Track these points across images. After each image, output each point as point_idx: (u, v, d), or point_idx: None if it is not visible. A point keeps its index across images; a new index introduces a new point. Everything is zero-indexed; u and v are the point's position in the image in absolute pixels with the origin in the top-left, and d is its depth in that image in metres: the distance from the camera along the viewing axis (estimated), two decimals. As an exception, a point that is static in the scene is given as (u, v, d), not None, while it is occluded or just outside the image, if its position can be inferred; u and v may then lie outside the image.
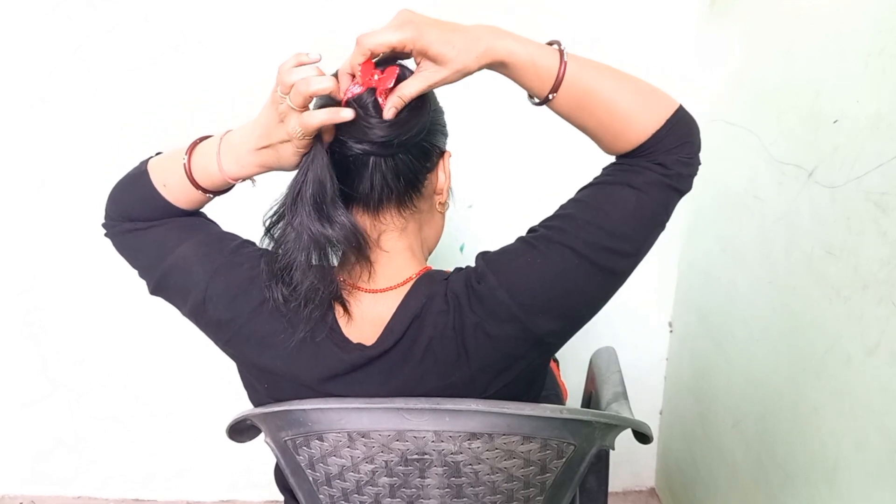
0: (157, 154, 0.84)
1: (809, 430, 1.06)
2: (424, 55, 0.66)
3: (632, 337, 1.69)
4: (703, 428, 1.55)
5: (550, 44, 0.72)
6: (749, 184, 1.28)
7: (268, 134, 0.70)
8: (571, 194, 0.78)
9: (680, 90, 1.50)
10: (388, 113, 0.68)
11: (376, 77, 0.68)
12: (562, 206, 0.76)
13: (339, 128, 0.69)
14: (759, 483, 1.25)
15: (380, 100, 0.68)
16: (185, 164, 0.76)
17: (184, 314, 0.82)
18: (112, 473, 1.88)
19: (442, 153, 0.79)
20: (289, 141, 0.68)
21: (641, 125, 0.72)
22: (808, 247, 1.07)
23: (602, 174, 0.76)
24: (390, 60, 0.70)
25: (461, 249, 1.59)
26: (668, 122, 0.72)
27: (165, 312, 1.66)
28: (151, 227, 0.81)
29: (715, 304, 1.47)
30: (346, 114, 0.66)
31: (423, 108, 0.71)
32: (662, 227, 0.74)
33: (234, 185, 0.78)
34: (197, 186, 0.77)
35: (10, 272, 1.69)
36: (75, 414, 1.81)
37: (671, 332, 1.74)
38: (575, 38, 1.51)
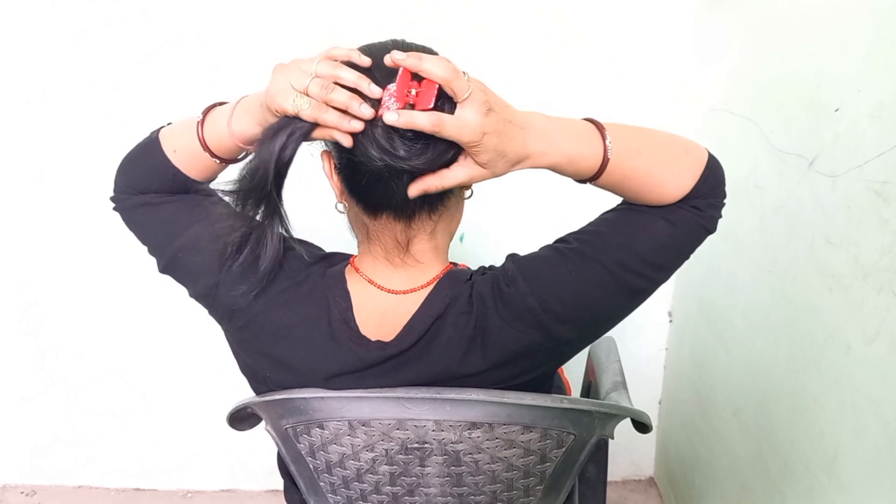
0: (169, 124, 0.82)
1: (809, 419, 1.07)
2: (471, 148, 0.63)
3: (631, 327, 1.68)
4: (702, 417, 1.55)
5: (589, 120, 0.71)
6: (750, 173, 1.28)
7: (271, 96, 0.65)
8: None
9: (680, 81, 1.51)
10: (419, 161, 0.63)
11: (414, 92, 0.62)
12: (593, 224, 0.76)
13: (374, 142, 0.63)
14: (758, 472, 1.25)
15: None
16: (198, 123, 0.74)
17: (191, 295, 0.81)
18: (112, 465, 1.88)
19: None
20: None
21: (679, 187, 0.73)
22: (808, 236, 1.06)
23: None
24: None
25: (461, 239, 1.59)
26: (702, 176, 0.73)
27: (163, 306, 1.68)
28: (163, 204, 0.79)
29: (715, 294, 1.47)
30: (346, 142, 0.63)
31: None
32: (684, 261, 0.76)
33: (245, 154, 0.76)
34: (206, 148, 0.75)
35: (8, 267, 1.69)
36: (74, 407, 1.82)
37: (671, 321, 1.74)
38: (575, 32, 1.51)
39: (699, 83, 1.49)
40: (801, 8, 1.10)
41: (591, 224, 0.77)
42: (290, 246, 0.79)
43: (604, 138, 0.69)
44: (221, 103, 0.77)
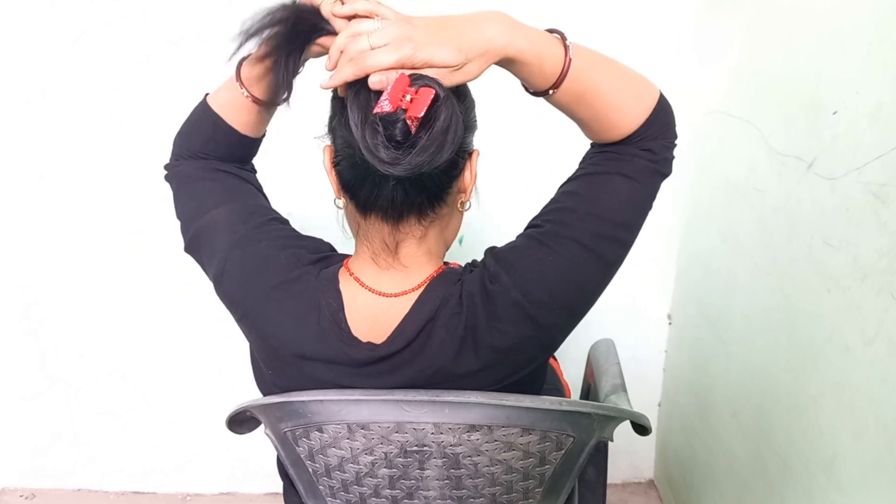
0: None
1: (808, 421, 1.07)
2: (431, 67, 0.63)
3: (630, 329, 1.69)
4: (701, 419, 1.55)
5: (551, 31, 0.70)
6: (748, 175, 1.28)
7: None
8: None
9: (679, 82, 1.51)
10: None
11: (408, 98, 0.62)
12: (555, 200, 0.76)
13: (362, 139, 0.63)
14: (758, 473, 1.25)
15: (409, 123, 0.62)
16: (237, 64, 0.78)
17: (210, 278, 0.82)
18: (111, 467, 1.88)
19: (470, 153, 0.75)
20: None
21: (633, 115, 0.72)
22: (807, 238, 1.06)
23: (589, 164, 0.76)
24: (428, 79, 0.64)
25: (460, 242, 1.59)
26: (655, 110, 0.73)
27: (164, 306, 1.68)
28: (202, 180, 0.83)
29: (714, 296, 1.47)
30: (328, 65, 0.66)
31: (451, 134, 0.64)
32: (648, 212, 0.76)
33: (275, 99, 0.77)
34: (238, 78, 0.78)
35: (8, 267, 1.69)
36: (74, 408, 1.82)
37: (670, 324, 1.74)
38: (573, 30, 1.51)
39: (698, 84, 1.49)
40: (801, 9, 1.10)
41: (554, 201, 0.76)
42: (291, 244, 0.80)
43: (565, 43, 0.69)
44: None
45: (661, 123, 0.74)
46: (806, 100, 1.07)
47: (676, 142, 0.76)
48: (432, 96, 0.62)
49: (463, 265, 0.80)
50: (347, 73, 0.64)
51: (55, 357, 1.76)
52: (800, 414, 1.09)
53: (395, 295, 0.76)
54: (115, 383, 1.79)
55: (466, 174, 0.75)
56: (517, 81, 0.73)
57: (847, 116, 0.96)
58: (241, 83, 0.78)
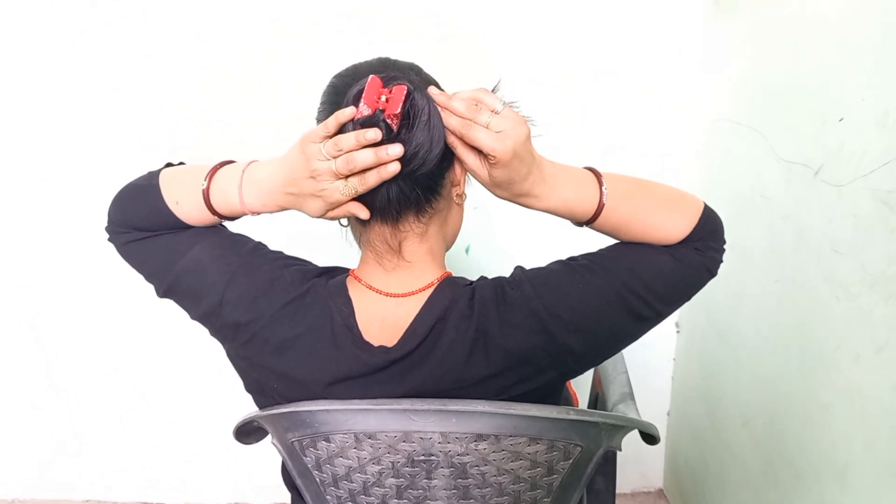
0: (167, 166, 0.82)
1: (819, 429, 1.06)
2: (493, 169, 0.68)
3: (638, 338, 1.69)
4: (711, 428, 1.54)
5: (589, 169, 0.76)
6: (756, 183, 1.27)
7: (296, 183, 0.69)
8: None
9: (686, 90, 1.51)
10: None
11: (384, 98, 0.64)
12: (604, 249, 0.79)
13: None
14: (770, 483, 1.24)
15: (389, 122, 0.65)
16: (203, 190, 0.75)
17: (193, 317, 0.81)
18: (117, 478, 1.88)
19: None
20: (318, 196, 0.69)
21: (676, 230, 0.77)
22: (815, 245, 1.06)
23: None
24: (400, 76, 0.67)
25: (467, 251, 1.59)
26: (699, 222, 0.77)
27: (163, 307, 1.66)
28: (159, 235, 0.80)
29: (723, 304, 1.47)
30: (392, 167, 0.65)
31: (435, 129, 0.68)
32: (686, 300, 0.79)
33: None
34: (213, 212, 0.76)
35: (8, 267, 1.69)
36: (78, 419, 1.82)
37: (678, 332, 1.73)
38: (581, 40, 1.52)
39: (704, 92, 1.49)
40: (807, 17, 1.10)
41: (601, 249, 0.79)
42: (292, 262, 0.80)
43: (600, 185, 0.74)
44: (225, 163, 0.77)
45: (706, 231, 0.78)
46: (812, 107, 1.07)
47: (725, 247, 0.80)
48: (405, 92, 0.65)
49: (478, 279, 0.80)
50: (453, 125, 0.67)
51: (55, 357, 1.76)
52: (811, 422, 1.09)
53: (403, 295, 0.76)
54: (121, 394, 1.79)
55: (457, 165, 0.77)
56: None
57: (853, 123, 0.96)
58: (216, 214, 0.76)
